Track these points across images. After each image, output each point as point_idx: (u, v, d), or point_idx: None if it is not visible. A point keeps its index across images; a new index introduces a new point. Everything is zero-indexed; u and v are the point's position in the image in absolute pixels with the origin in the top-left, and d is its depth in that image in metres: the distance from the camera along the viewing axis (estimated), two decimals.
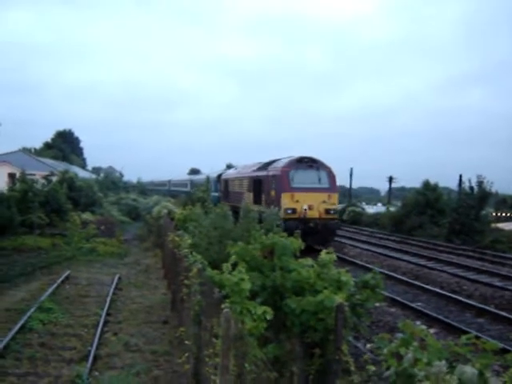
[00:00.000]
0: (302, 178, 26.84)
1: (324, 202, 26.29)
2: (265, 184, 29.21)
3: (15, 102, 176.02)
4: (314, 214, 25.75)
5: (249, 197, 31.75)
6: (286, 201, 25.88)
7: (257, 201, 29.87)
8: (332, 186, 27.48)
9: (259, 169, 31.88)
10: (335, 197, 27.28)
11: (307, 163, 27.65)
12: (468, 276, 20.58)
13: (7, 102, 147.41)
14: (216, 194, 42.67)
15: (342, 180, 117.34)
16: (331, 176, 27.70)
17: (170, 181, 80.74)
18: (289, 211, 25.35)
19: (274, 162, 30.56)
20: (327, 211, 26.23)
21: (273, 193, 27.46)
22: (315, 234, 24.05)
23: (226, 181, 40.57)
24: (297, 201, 25.81)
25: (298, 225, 22.51)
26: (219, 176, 44.09)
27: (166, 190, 78.16)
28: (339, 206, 40.48)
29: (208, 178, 43.60)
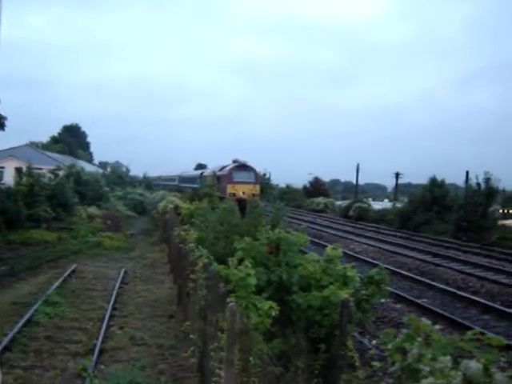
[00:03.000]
0: (239, 175, 44.84)
1: (251, 189, 42.85)
2: (220, 179, 44.54)
3: (23, 98, 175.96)
4: (245, 196, 39.92)
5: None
6: (229, 189, 42.81)
7: (218, 190, 41.14)
8: (256, 181, 45.84)
9: (219, 170, 49.06)
10: (258, 187, 44.93)
11: (242, 167, 47.10)
12: (474, 273, 20.54)
13: (15, 98, 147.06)
14: (200, 186, 55.78)
15: (348, 176, 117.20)
16: (256, 174, 46.75)
17: (160, 176, 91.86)
18: (231, 195, 39.31)
19: (226, 166, 49.27)
20: (253, 195, 39.90)
21: (223, 184, 43.25)
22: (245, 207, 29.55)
23: (205, 177, 54.54)
24: (236, 189, 42.77)
25: (236, 202, 27.73)
26: (201, 173, 59.95)
27: (157, 184, 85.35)
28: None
29: (213, 173, 55.07)
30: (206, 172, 57.11)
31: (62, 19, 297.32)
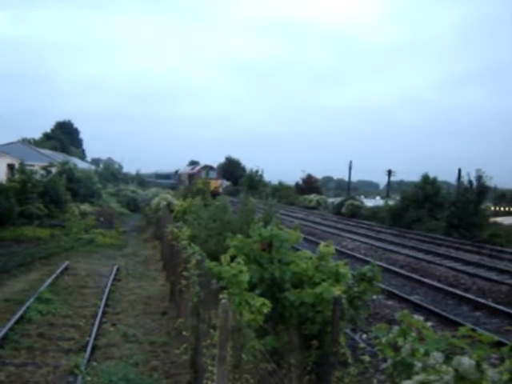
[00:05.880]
0: (206, 173, 52.95)
1: (214, 184, 53.54)
2: (192, 176, 60.13)
3: (18, 93, 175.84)
4: (211, 188, 45.12)
5: (187, 184, 55.87)
6: None
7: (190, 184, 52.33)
8: (218, 177, 64.45)
9: (191, 169, 66.31)
10: (219, 182, 62.58)
11: (209, 167, 62.10)
12: (466, 270, 20.62)
13: (9, 93, 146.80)
14: (175, 181, 74.31)
15: (340, 173, 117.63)
16: (219, 172, 66.13)
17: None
18: None
19: (196, 166, 68.08)
20: (215, 187, 53.81)
21: (195, 180, 48.78)
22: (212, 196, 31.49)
23: (179, 174, 74.31)
24: None
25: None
26: (176, 171, 79.16)
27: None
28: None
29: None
30: (181, 170, 76.85)
31: (59, 17, 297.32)
